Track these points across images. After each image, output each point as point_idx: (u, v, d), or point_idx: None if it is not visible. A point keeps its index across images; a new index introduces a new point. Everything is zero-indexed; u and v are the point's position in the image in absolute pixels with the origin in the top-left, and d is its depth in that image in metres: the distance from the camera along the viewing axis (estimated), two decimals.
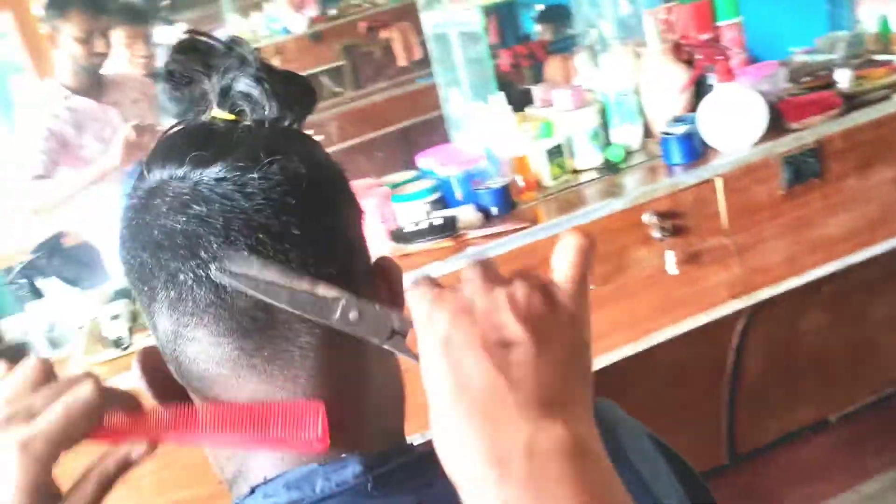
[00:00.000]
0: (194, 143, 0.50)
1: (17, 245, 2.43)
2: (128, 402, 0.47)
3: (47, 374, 0.46)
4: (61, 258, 1.88)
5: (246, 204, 0.47)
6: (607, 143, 1.96)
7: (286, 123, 0.52)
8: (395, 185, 1.92)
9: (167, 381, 0.52)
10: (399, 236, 1.74)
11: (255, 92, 0.50)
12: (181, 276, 0.47)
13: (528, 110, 2.07)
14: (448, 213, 1.78)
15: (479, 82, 1.97)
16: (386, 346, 0.45)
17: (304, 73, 0.55)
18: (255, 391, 0.49)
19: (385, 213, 1.82)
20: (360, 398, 0.51)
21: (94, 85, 2.36)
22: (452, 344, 0.38)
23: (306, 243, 0.49)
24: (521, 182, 1.85)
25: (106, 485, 0.46)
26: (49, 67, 2.75)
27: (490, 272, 0.40)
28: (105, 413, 0.45)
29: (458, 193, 1.86)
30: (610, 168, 1.92)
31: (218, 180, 0.48)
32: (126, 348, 1.52)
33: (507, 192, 1.82)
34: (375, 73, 4.19)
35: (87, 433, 0.45)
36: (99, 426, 0.45)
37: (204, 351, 0.48)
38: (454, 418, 0.37)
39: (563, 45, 3.00)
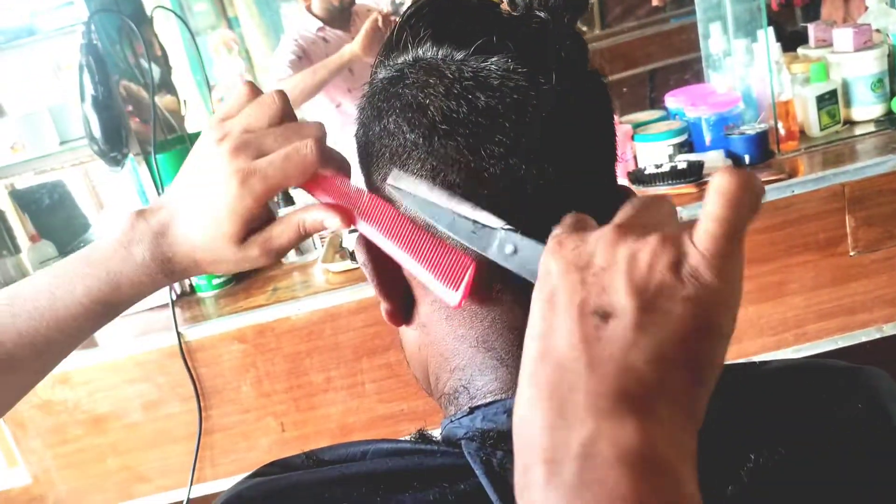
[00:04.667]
0: (475, 24, 0.46)
1: None
2: (342, 166, 0.52)
3: (283, 113, 0.51)
4: None
5: (543, 102, 0.44)
6: (892, 93, 1.71)
7: (564, 19, 0.47)
8: (639, 125, 1.82)
9: (387, 265, 0.50)
10: (638, 177, 1.64)
11: None
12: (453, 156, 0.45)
13: (800, 50, 1.86)
14: (694, 157, 1.65)
15: (745, 17, 1.79)
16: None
17: None
18: None
19: (625, 152, 1.73)
20: None
21: (343, 18, 2.49)
22: (555, 302, 0.32)
23: (594, 156, 0.47)
24: (782, 130, 1.67)
25: (302, 233, 0.52)
26: None
27: (637, 216, 0.33)
28: (321, 170, 0.50)
29: (708, 137, 1.72)
30: (893, 122, 1.67)
31: (506, 71, 0.44)
32: None
33: (765, 140, 1.66)
34: (624, 12, 4.02)
35: (299, 183, 0.51)
36: (312, 179, 0.51)
37: None
38: (527, 389, 0.31)
39: None
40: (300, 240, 0.53)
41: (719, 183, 0.30)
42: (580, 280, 0.32)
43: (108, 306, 0.55)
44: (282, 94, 0.52)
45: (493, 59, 0.45)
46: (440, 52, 0.46)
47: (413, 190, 0.45)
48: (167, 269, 0.54)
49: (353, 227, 0.50)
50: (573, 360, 0.30)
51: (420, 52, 0.47)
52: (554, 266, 0.33)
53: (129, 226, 0.54)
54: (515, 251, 0.41)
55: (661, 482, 0.27)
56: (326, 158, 0.50)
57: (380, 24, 2.24)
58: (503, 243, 0.42)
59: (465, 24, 0.46)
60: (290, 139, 0.50)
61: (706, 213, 0.30)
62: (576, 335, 0.30)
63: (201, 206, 0.51)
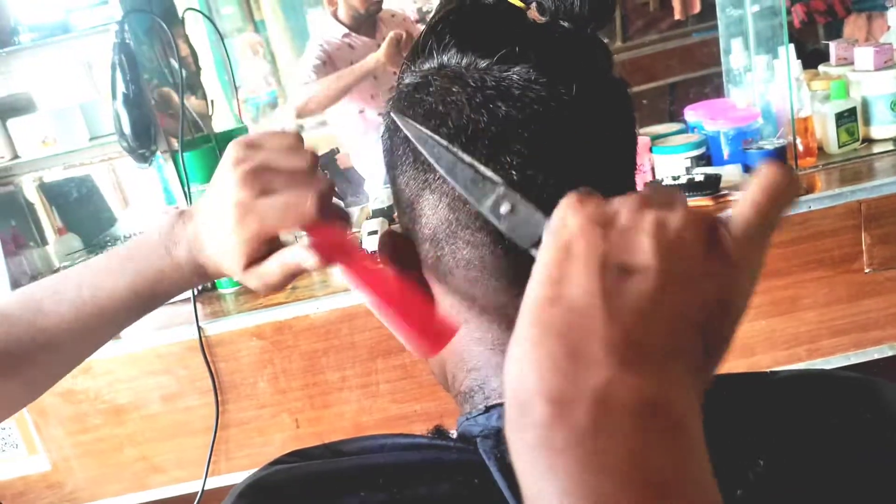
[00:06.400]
0: (499, 32, 0.47)
1: None
2: (341, 219, 0.55)
3: (307, 163, 0.54)
4: (333, 173, 2.03)
5: (562, 113, 0.45)
6: None
7: (588, 29, 0.48)
8: (657, 137, 1.83)
9: (408, 265, 0.51)
10: None
11: None
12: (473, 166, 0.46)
13: (821, 68, 1.86)
14: (711, 170, 1.66)
15: (767, 33, 1.80)
16: (532, 252, 0.38)
17: None
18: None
19: (642, 163, 1.75)
20: None
21: (369, 25, 2.52)
22: (571, 253, 0.31)
23: (613, 167, 0.48)
24: (800, 146, 1.67)
25: (286, 272, 0.55)
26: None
27: (660, 195, 0.33)
28: (317, 222, 0.52)
29: (726, 151, 1.73)
30: None
31: (527, 81, 0.45)
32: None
33: (783, 155, 1.66)
34: (646, 25, 4.02)
35: (293, 230, 0.54)
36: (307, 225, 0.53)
37: (477, 257, 0.47)
38: (528, 328, 0.30)
39: (869, 3, 2.65)
40: (288, 277, 0.56)
41: (765, 174, 0.32)
42: (602, 235, 0.31)
43: (147, 299, 0.59)
44: (311, 154, 0.55)
45: (516, 69, 0.45)
46: (464, 60, 0.47)
47: (421, 127, 0.45)
48: (201, 273, 0.58)
49: (335, 267, 0.53)
50: (591, 307, 0.29)
51: (445, 58, 0.48)
52: (573, 219, 0.32)
53: (171, 227, 0.58)
54: (512, 211, 0.39)
55: (673, 439, 0.28)
56: (325, 214, 0.52)
57: (402, 38, 2.29)
58: (500, 200, 0.39)
59: (490, 33, 0.47)
60: (298, 187, 0.52)
61: (746, 200, 0.32)
62: (595, 284, 0.30)
63: (214, 225, 0.55)
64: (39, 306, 0.58)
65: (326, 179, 0.54)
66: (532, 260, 0.33)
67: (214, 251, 0.56)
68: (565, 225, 0.32)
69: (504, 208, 0.39)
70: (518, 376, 0.30)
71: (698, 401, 0.30)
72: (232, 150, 0.54)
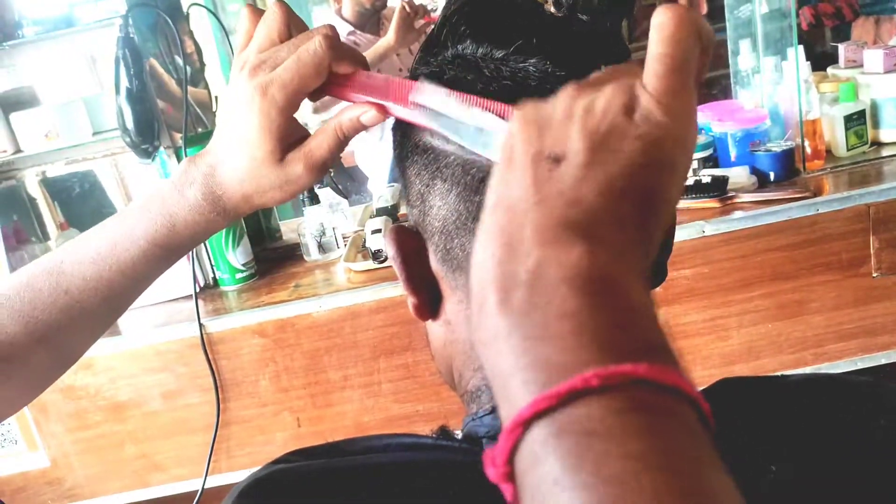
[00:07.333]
0: (516, 23, 0.46)
1: None
2: (356, 59, 0.52)
3: (290, 23, 0.52)
4: (337, 171, 2.03)
5: None
6: None
7: (606, 23, 0.47)
8: None
9: (416, 260, 0.50)
10: None
11: None
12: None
13: (829, 70, 1.85)
14: (718, 171, 1.65)
15: (775, 34, 1.79)
16: None
17: None
18: None
19: None
20: None
21: (373, 22, 2.52)
22: (512, 158, 0.32)
23: None
24: (808, 148, 1.66)
25: (341, 138, 0.52)
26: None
27: (601, 76, 0.34)
28: (336, 65, 0.50)
29: (733, 153, 1.72)
30: None
31: (544, 73, 0.44)
32: (383, 261, 1.61)
33: (791, 158, 1.65)
34: None
35: (318, 82, 0.51)
36: (330, 80, 0.51)
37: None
38: (480, 235, 0.32)
39: (878, 7, 2.64)
40: (340, 147, 0.53)
41: (657, 22, 0.32)
42: (537, 133, 0.33)
43: (166, 249, 0.56)
44: (282, 5, 0.53)
45: (532, 61, 0.45)
46: (480, 51, 0.46)
47: (429, 102, 0.45)
48: (219, 208, 0.55)
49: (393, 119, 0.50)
50: (523, 201, 0.31)
51: (460, 49, 0.47)
52: (514, 125, 0.34)
53: (183, 171, 0.55)
54: None
55: (606, 296, 0.28)
56: (338, 53, 0.51)
57: (407, 9, 2.27)
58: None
59: (506, 24, 0.46)
60: (300, 44, 0.50)
61: (650, 54, 0.32)
62: (528, 178, 0.31)
63: (236, 135, 0.52)
64: (61, 268, 0.56)
65: (325, 25, 0.52)
66: None
67: (237, 168, 0.53)
68: (510, 133, 0.34)
69: None
70: (476, 280, 0.31)
71: (642, 257, 0.30)
72: (234, 69, 0.52)
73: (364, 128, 0.52)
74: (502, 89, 0.45)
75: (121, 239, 0.56)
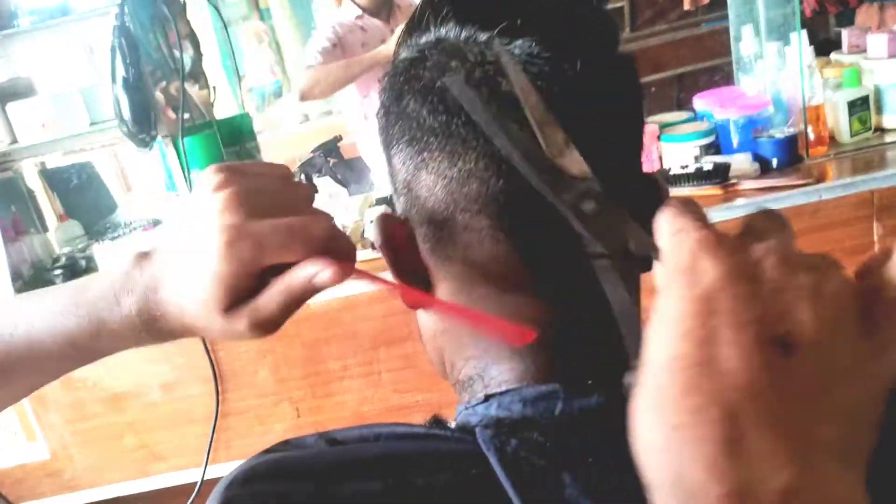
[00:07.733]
0: (501, 4, 0.45)
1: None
2: (346, 251, 0.45)
3: (291, 175, 0.47)
4: (336, 161, 2.01)
5: (566, 89, 0.43)
6: None
7: (594, 2, 0.47)
8: (665, 125, 1.80)
9: (405, 248, 0.49)
10: (663, 178, 1.63)
11: None
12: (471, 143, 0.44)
13: (833, 55, 1.83)
14: (720, 159, 1.64)
15: (778, 20, 1.77)
16: (606, 264, 0.35)
17: None
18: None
19: (650, 152, 1.72)
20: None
21: (386, 9, 2.48)
22: (715, 310, 0.27)
23: (619, 142, 0.46)
24: (811, 134, 1.65)
25: (289, 299, 0.43)
26: None
27: (791, 243, 0.29)
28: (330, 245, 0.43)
29: (735, 140, 1.70)
30: None
31: (530, 56, 0.43)
32: None
33: (794, 144, 1.64)
34: (655, 15, 3.99)
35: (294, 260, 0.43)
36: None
37: (476, 241, 0.45)
38: (671, 412, 0.27)
39: None
40: (291, 308, 0.44)
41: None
42: (751, 294, 0.27)
43: (82, 351, 0.49)
44: (310, 186, 0.48)
45: (518, 43, 0.43)
46: (463, 34, 0.45)
47: (473, 100, 0.40)
48: (153, 329, 0.46)
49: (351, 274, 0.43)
50: (754, 389, 0.26)
51: (443, 32, 0.46)
52: (712, 267, 0.28)
53: (125, 272, 0.47)
54: (599, 212, 0.34)
55: None
56: (333, 242, 0.44)
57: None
58: (584, 196, 0.35)
59: (491, 4, 0.45)
60: (300, 209, 0.44)
61: None
62: (757, 357, 0.26)
63: (187, 263, 0.44)
64: None
65: (321, 215, 0.44)
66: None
67: (180, 294, 0.44)
68: (697, 268, 0.28)
69: (589, 206, 0.35)
70: (678, 458, 0.26)
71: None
72: (210, 177, 0.43)
73: (317, 291, 0.43)
74: (486, 74, 0.43)
75: (38, 329, 0.49)
